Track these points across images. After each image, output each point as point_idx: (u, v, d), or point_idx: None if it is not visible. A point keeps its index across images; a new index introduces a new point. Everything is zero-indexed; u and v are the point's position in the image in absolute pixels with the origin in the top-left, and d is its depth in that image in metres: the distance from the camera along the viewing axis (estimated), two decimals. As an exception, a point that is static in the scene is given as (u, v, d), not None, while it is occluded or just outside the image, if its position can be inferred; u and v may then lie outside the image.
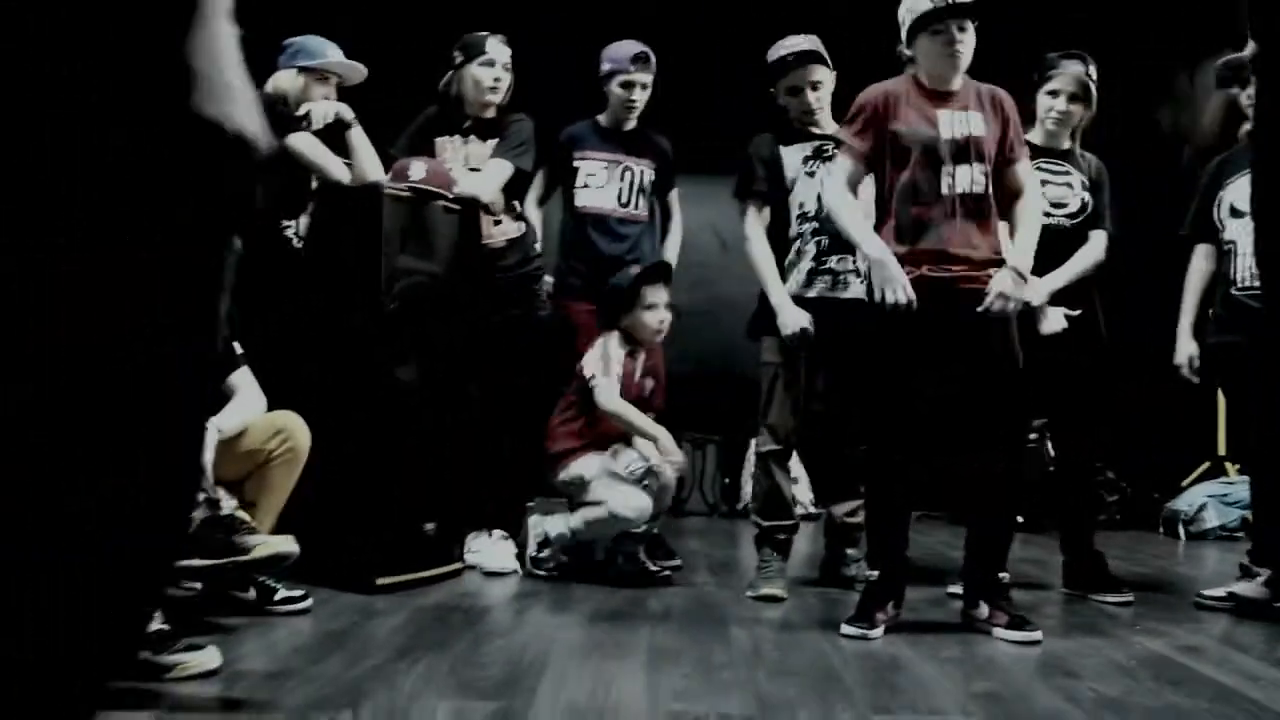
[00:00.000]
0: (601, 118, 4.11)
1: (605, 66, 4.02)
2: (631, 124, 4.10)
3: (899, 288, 2.82)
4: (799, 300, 3.49)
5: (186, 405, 0.99)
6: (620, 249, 3.98)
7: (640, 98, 4.02)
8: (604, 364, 3.59)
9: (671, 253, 4.18)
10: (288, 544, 2.58)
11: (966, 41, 2.92)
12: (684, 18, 5.96)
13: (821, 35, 3.67)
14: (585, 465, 3.59)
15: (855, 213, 2.99)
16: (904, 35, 2.99)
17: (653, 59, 4.01)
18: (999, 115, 3.01)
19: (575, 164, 4.04)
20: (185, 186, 0.92)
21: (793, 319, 3.43)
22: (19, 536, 0.80)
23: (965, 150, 2.93)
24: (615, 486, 3.52)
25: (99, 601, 0.96)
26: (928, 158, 2.91)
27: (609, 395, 3.56)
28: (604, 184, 4.01)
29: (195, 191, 0.92)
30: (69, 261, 0.83)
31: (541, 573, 3.61)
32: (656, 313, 3.65)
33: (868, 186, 3.13)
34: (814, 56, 3.60)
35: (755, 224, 3.60)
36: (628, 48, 3.99)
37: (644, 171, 4.07)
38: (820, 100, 3.63)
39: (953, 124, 2.94)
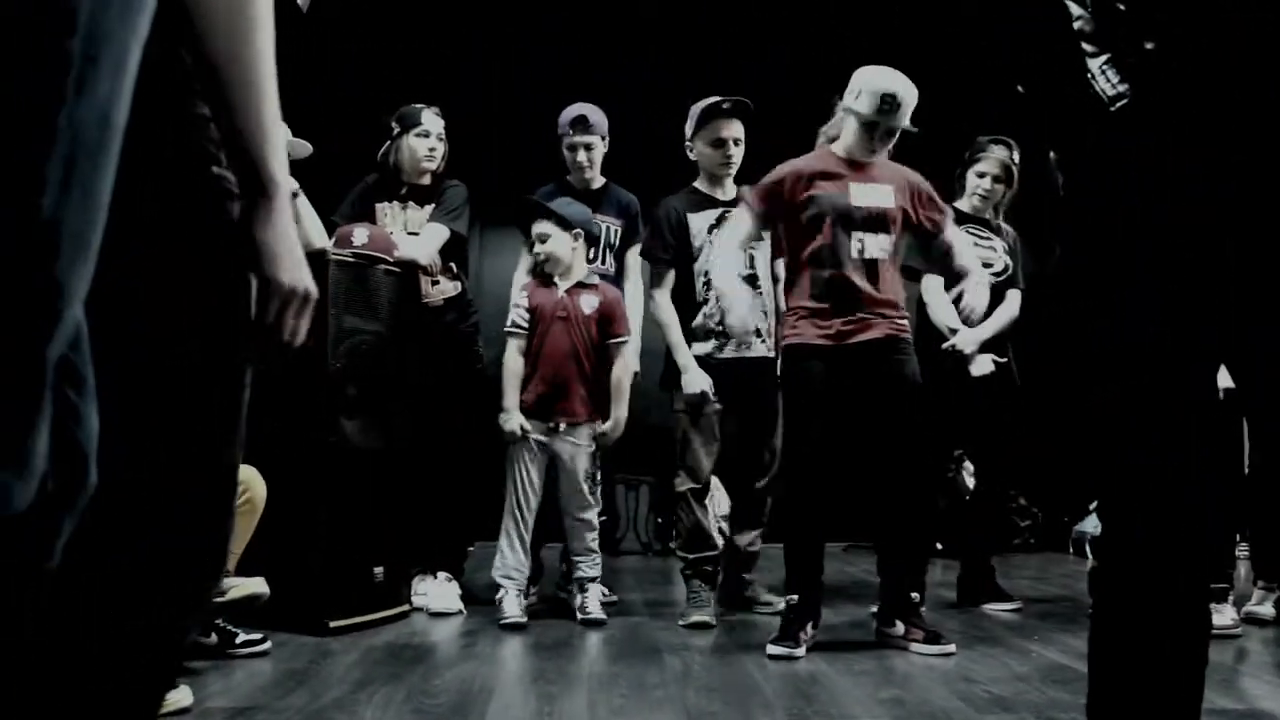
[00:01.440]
0: (569, 177, 4.14)
1: (558, 130, 4.12)
2: (597, 182, 4.13)
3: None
4: (710, 362, 3.67)
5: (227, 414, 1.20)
6: None
7: (586, 158, 4.04)
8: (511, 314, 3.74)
9: (635, 307, 4.05)
10: (260, 585, 2.79)
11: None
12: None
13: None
14: (507, 420, 3.64)
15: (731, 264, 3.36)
16: (850, 97, 3.19)
17: (593, 120, 4.04)
18: (909, 192, 3.30)
19: None
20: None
21: (694, 382, 3.64)
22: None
23: (874, 220, 3.22)
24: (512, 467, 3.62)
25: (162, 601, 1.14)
26: (840, 224, 3.19)
27: (508, 349, 3.70)
28: None
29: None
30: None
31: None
32: (538, 245, 3.71)
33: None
34: (747, 111, 3.77)
35: (662, 287, 3.79)
36: (571, 111, 4.07)
37: (610, 227, 4.08)
38: (737, 159, 3.80)
39: (864, 194, 3.22)
